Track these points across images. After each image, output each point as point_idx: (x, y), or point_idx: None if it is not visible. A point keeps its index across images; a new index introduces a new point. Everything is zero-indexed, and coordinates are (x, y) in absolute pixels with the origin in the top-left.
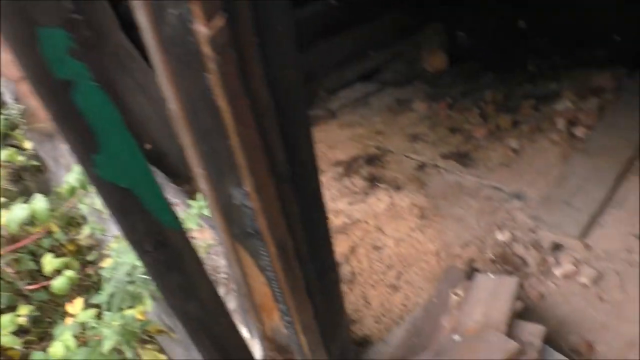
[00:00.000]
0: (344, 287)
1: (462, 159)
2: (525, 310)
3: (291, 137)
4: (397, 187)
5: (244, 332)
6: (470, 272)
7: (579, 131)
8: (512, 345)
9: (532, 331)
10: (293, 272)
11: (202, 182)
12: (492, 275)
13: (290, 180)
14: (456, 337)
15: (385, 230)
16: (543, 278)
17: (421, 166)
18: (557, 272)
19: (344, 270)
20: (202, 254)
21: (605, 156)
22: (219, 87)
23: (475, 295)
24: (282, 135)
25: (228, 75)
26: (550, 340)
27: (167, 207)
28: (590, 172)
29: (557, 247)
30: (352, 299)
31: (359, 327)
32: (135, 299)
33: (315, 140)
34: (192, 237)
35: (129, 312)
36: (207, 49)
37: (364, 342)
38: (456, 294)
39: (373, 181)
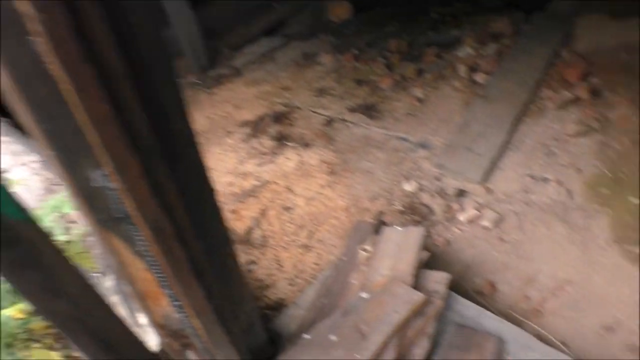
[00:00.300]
0: (257, 253)
1: (369, 111)
2: (432, 258)
3: (157, 106)
4: (306, 145)
5: (139, 320)
6: (379, 226)
7: (479, 77)
8: (418, 296)
9: (438, 279)
10: (174, 254)
11: (54, 165)
12: (399, 228)
13: (160, 154)
14: (364, 295)
15: (296, 189)
16: (449, 224)
17: (329, 121)
18: (462, 217)
19: (256, 235)
20: (79, 241)
21: (503, 101)
22: (51, 53)
23: (382, 249)
24: (144, 105)
25: (60, 38)
26: (457, 285)
27: (11, 199)
28: (489, 118)
29: (461, 193)
30: (265, 263)
31: (273, 291)
32: (15, 296)
33: (221, 99)
34: (71, 222)
35: (3, 312)
36: (25, 7)
37: (279, 306)
38: (365, 250)
39: (281, 140)
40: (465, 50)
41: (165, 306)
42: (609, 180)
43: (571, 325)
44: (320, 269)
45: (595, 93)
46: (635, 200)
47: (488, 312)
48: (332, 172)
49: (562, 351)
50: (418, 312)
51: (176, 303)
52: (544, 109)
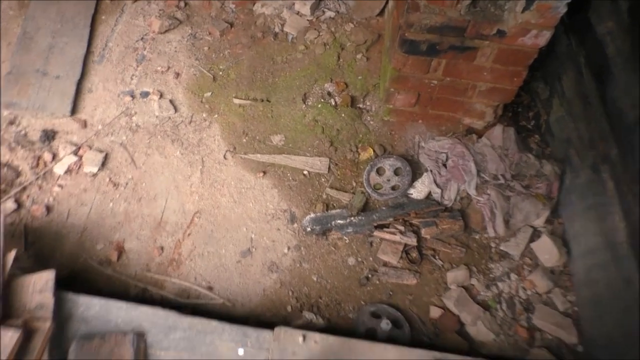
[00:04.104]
0: None
1: None
2: (35, 237)
3: None
4: None
5: None
6: None
7: None
8: (10, 338)
9: (41, 285)
10: None
11: None
12: None
13: None
14: None
15: None
16: (45, 184)
17: None
18: (59, 169)
19: None
20: None
21: None
22: None
23: None
24: None
25: None
26: (75, 262)
27: None
28: (58, 23)
29: (49, 135)
30: None
31: None
32: None
33: None
34: None
35: None
36: None
37: None
38: None
39: None
40: None
41: None
42: (210, 81)
43: (212, 262)
44: None
45: None
46: (237, 101)
47: (116, 302)
48: None
49: (211, 299)
50: (22, 352)
51: None
52: (120, 2)
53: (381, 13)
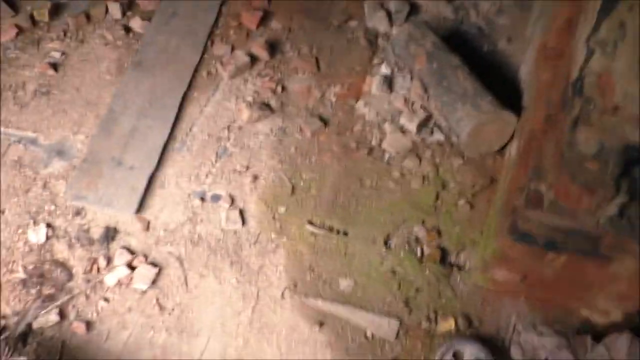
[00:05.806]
0: None
1: None
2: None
3: None
4: None
5: None
6: None
7: (136, 23)
8: None
9: None
10: None
11: None
12: None
13: None
14: None
15: None
16: (93, 294)
17: None
18: (110, 280)
19: None
20: None
21: (166, 70)
22: None
23: None
24: None
25: None
26: None
27: None
28: (147, 101)
29: (109, 235)
30: None
31: None
32: None
33: None
34: None
35: None
36: None
37: None
38: None
39: None
40: None
41: None
42: (288, 193)
43: None
44: None
45: (274, 47)
46: (310, 228)
47: None
48: None
49: None
50: None
51: None
52: (216, 76)
53: (502, 150)
